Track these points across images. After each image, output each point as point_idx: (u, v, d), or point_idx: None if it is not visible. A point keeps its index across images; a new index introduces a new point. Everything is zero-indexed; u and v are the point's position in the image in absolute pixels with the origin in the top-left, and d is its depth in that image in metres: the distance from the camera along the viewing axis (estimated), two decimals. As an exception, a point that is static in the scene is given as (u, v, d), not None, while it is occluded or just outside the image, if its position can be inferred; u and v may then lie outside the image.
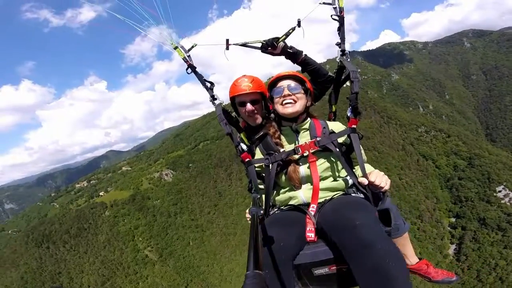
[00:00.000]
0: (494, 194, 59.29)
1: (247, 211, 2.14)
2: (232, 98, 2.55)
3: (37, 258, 65.86)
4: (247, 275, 0.85)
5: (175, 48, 2.57)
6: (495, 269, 52.09)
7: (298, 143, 2.07)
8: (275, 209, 2.13)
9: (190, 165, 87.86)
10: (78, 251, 66.59)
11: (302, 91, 2.16)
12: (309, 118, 2.21)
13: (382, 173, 1.95)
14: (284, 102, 2.10)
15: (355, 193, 1.99)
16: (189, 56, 2.57)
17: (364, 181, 1.91)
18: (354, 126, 2.05)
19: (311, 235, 1.72)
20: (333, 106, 2.67)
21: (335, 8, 2.52)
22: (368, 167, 2.12)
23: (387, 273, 1.32)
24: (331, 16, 2.49)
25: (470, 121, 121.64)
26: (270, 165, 2.02)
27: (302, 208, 1.92)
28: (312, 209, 1.88)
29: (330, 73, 2.56)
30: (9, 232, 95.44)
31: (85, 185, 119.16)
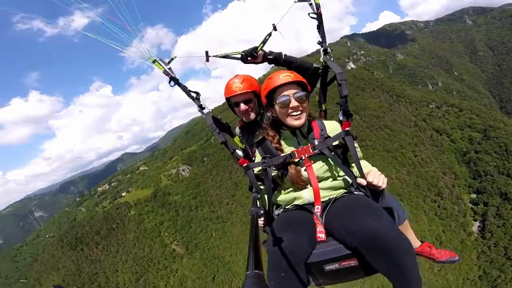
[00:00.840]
0: None
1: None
2: (227, 99, 2.73)
3: (74, 261, 69.72)
4: (247, 275, 0.86)
5: (154, 61, 2.55)
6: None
7: (299, 146, 2.12)
8: (280, 209, 2.18)
9: (204, 159, 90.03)
10: (110, 251, 69.98)
11: (306, 98, 2.13)
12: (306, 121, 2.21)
13: (379, 172, 2.06)
14: (291, 114, 2.07)
15: (356, 191, 2.07)
16: (169, 68, 2.57)
17: (363, 182, 2.01)
18: (347, 128, 2.10)
19: (322, 236, 1.79)
20: (322, 105, 2.75)
21: (311, 4, 2.53)
22: (365, 164, 2.19)
23: (406, 268, 1.52)
24: (309, 14, 2.49)
25: (482, 96, 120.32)
26: (268, 168, 2.06)
27: (308, 208, 2.00)
28: (317, 210, 1.96)
29: (315, 64, 2.62)
30: (45, 237, 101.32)
31: (107, 187, 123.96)
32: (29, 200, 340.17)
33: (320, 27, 2.45)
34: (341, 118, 2.11)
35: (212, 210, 74.16)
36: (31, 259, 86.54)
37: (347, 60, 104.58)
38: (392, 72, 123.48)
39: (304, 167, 2.03)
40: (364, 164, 2.17)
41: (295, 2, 2.56)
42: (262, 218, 2.12)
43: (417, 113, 76.78)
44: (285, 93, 2.05)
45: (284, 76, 2.08)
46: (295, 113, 2.05)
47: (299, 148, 2.06)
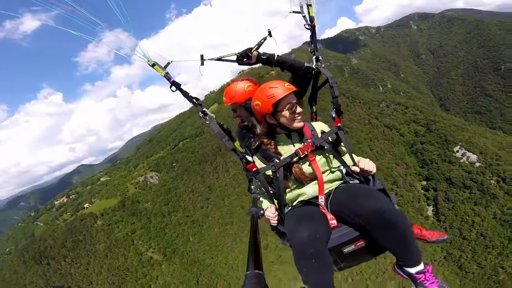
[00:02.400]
0: (453, 155, 67.12)
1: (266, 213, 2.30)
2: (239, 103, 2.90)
3: (41, 276, 64.57)
4: (247, 275, 0.88)
5: (153, 65, 2.51)
6: (473, 226, 57.74)
7: (294, 147, 2.28)
8: (288, 207, 2.31)
9: (174, 164, 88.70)
10: (80, 263, 65.99)
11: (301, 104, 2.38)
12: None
13: (368, 159, 2.31)
14: (296, 118, 2.28)
15: (352, 180, 2.32)
16: (167, 73, 2.52)
17: (356, 169, 2.26)
18: (339, 124, 2.37)
19: (334, 222, 2.00)
20: (313, 107, 2.95)
21: (304, 17, 2.69)
22: (355, 156, 2.41)
23: (408, 239, 1.83)
24: (304, 25, 2.68)
25: (425, 95, 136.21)
26: (277, 170, 2.20)
27: (313, 202, 2.20)
28: (321, 200, 2.16)
29: (306, 63, 2.70)
30: (1, 254, 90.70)
31: (65, 200, 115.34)
32: None
33: (313, 37, 2.72)
34: (333, 115, 2.44)
35: (186, 215, 73.58)
36: None
37: (290, 12, 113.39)
38: (348, 76, 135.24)
39: (308, 162, 2.23)
40: (354, 155, 2.42)
41: (290, 12, 2.77)
42: (276, 218, 2.25)
43: (370, 112, 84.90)
44: (290, 100, 2.26)
45: (288, 85, 2.30)
46: (299, 117, 2.28)
47: (301, 146, 2.26)
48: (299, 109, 2.28)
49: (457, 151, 67.44)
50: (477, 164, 63.44)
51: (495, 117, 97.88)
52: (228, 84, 3.22)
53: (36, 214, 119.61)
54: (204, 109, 2.50)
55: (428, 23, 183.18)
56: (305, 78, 2.71)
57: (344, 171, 2.35)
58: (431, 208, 65.16)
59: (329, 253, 1.87)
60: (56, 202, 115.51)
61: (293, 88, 2.29)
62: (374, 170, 2.27)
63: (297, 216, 2.12)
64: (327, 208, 2.15)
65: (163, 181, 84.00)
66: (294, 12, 2.77)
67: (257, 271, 0.91)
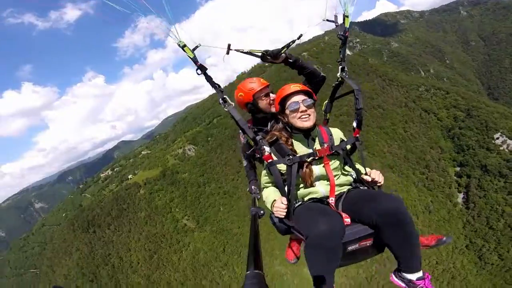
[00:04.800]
0: (493, 141, 63.87)
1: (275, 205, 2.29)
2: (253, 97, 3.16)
3: (87, 243, 71.84)
4: (247, 275, 0.88)
5: (183, 46, 2.50)
6: (503, 216, 55.71)
7: (309, 148, 2.45)
8: (298, 202, 2.41)
9: (209, 139, 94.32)
10: (122, 231, 72.73)
11: (313, 105, 2.46)
12: (316, 126, 2.51)
13: (379, 171, 2.46)
14: (301, 117, 2.40)
15: (362, 186, 2.48)
16: (195, 56, 2.55)
17: (368, 178, 2.41)
18: (357, 135, 2.52)
19: (348, 220, 2.12)
20: (327, 114, 3.10)
21: (337, 26, 2.74)
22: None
23: (413, 240, 1.97)
24: (337, 35, 2.74)
25: (472, 83, 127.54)
26: (292, 165, 2.30)
27: (323, 200, 2.36)
28: (331, 201, 2.34)
29: (322, 73, 3.01)
30: (51, 226, 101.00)
31: (109, 173, 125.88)
32: (28, 192, 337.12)
33: (343, 48, 2.78)
34: (354, 125, 2.57)
35: (219, 186, 78.44)
36: (39, 248, 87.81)
37: (323, 19, 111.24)
38: (386, 59, 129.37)
39: (322, 164, 2.40)
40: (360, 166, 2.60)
41: (323, 20, 2.80)
42: (285, 208, 2.24)
43: (407, 95, 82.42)
44: (295, 99, 2.43)
45: (294, 86, 2.49)
46: (304, 117, 2.41)
47: (320, 148, 2.42)
48: (302, 108, 2.42)
49: (497, 138, 64.23)
50: None
51: None
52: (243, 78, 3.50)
53: (84, 186, 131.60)
54: (225, 96, 2.58)
55: (480, 9, 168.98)
56: (318, 85, 3.04)
57: (353, 177, 2.57)
58: (461, 195, 63.46)
59: (341, 248, 1.99)
60: (102, 175, 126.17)
61: (298, 89, 2.48)
62: (382, 182, 2.46)
63: (313, 209, 2.23)
64: (337, 208, 2.34)
65: (199, 153, 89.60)
66: (327, 20, 2.85)
67: (257, 271, 0.92)
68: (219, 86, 2.61)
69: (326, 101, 3.10)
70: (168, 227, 71.95)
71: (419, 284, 2.00)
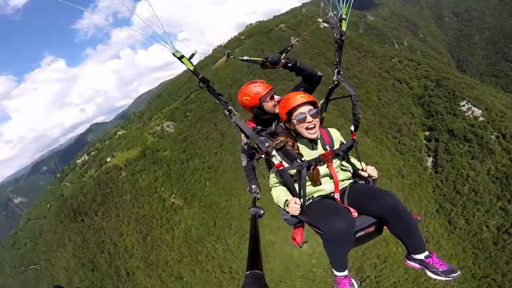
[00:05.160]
0: (459, 108, 68.36)
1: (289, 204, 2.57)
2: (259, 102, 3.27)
3: (79, 233, 70.11)
4: (247, 275, 0.89)
5: (181, 57, 2.46)
6: (467, 180, 58.86)
7: (314, 150, 2.71)
8: (309, 200, 2.68)
9: (187, 114, 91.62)
10: (111, 216, 71.01)
11: (318, 114, 2.66)
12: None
13: (373, 167, 2.82)
14: (308, 127, 2.61)
15: (360, 180, 2.86)
16: (195, 69, 2.54)
17: (365, 174, 2.79)
18: (354, 137, 2.82)
19: (355, 213, 2.45)
20: (323, 113, 3.27)
21: (333, 28, 2.91)
22: (362, 163, 2.88)
23: (414, 231, 2.31)
24: (335, 40, 2.92)
25: (442, 56, 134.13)
26: (302, 170, 2.56)
27: (330, 197, 2.68)
28: (337, 196, 2.68)
29: (319, 73, 3.20)
30: (37, 219, 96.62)
31: (86, 158, 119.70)
32: (3, 187, 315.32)
33: (339, 52, 2.97)
34: (352, 129, 2.87)
35: (202, 161, 77.57)
36: (31, 244, 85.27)
37: (320, 20, 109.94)
38: (362, 32, 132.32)
39: (326, 165, 2.69)
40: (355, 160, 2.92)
41: (319, 20, 3.72)
42: (299, 207, 2.54)
43: (381, 65, 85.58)
44: (301, 110, 2.60)
45: (300, 97, 2.62)
46: (310, 126, 2.62)
47: (324, 152, 2.69)
48: (309, 119, 2.60)
49: (463, 105, 68.79)
50: (481, 119, 64.77)
51: (510, 82, 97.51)
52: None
53: (61, 175, 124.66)
54: (230, 107, 2.66)
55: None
56: (315, 85, 3.26)
57: (351, 172, 2.87)
58: (430, 159, 67.57)
59: (354, 238, 2.34)
60: (78, 161, 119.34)
61: (304, 100, 2.60)
62: (377, 176, 2.81)
63: (325, 207, 2.51)
64: (343, 202, 2.64)
65: (178, 129, 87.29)
66: (324, 21, 2.97)
67: (257, 271, 0.93)
68: (222, 96, 2.74)
69: (322, 100, 3.26)
70: (157, 207, 71.28)
71: (429, 262, 2.36)
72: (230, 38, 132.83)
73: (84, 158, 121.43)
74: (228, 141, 77.95)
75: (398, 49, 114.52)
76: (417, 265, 2.50)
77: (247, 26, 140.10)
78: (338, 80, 3.01)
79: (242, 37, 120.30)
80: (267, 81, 3.35)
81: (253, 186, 3.57)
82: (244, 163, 3.86)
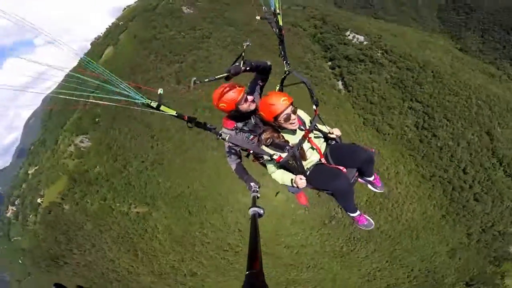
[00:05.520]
0: (346, 38, 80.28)
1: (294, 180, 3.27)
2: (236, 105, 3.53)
3: (74, 274, 62.20)
4: (247, 275, 0.91)
5: (158, 106, 2.38)
6: (374, 91, 68.98)
7: (296, 134, 3.41)
8: (307, 171, 3.47)
9: (96, 119, 79.86)
10: (86, 248, 63.53)
11: (296, 109, 3.34)
12: None
13: (337, 128, 3.70)
14: (291, 122, 3.27)
15: (331, 142, 3.71)
16: (178, 113, 2.59)
17: (334, 136, 3.60)
18: (318, 113, 3.54)
19: (344, 170, 3.32)
20: None
21: (270, 23, 3.19)
22: (328, 127, 3.69)
23: (373, 166, 3.47)
24: (276, 34, 3.26)
25: None
26: (295, 153, 3.21)
27: (320, 163, 3.51)
28: (323, 161, 3.49)
29: (268, 62, 3.64)
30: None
31: (14, 209, 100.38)
32: None
33: (282, 45, 3.48)
34: (314, 108, 3.56)
35: (142, 161, 71.07)
36: None
37: (257, 17, 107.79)
38: None
39: (307, 141, 3.42)
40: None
41: (257, 18, 3.18)
42: (305, 181, 3.23)
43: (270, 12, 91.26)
44: (286, 112, 3.19)
45: (284, 101, 3.16)
46: (292, 121, 3.29)
47: (303, 132, 3.39)
48: (293, 117, 3.25)
49: (349, 35, 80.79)
50: (365, 43, 77.34)
51: (378, 11, 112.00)
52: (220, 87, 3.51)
53: (2, 234, 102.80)
54: (220, 132, 3.00)
55: None
56: (268, 74, 3.76)
57: (322, 137, 3.67)
58: (340, 82, 77.69)
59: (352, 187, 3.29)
60: (7, 215, 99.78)
61: (288, 103, 3.17)
62: (340, 134, 3.67)
63: (323, 173, 3.37)
64: (329, 163, 3.47)
65: (96, 140, 76.64)
66: (262, 18, 3.19)
67: (257, 270, 0.95)
68: (211, 125, 3.00)
69: (278, 87, 3.85)
70: (125, 223, 65.08)
71: (374, 181, 3.88)
72: (108, 26, 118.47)
73: (12, 209, 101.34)
74: (158, 129, 72.23)
75: None
76: (363, 181, 3.94)
77: (125, 8, 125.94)
78: (290, 70, 3.62)
79: (121, 23, 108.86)
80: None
81: (252, 184, 3.66)
82: (233, 166, 3.98)
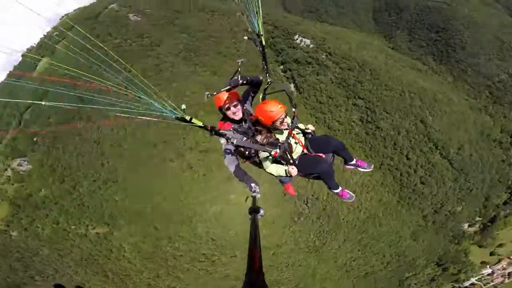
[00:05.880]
0: (295, 42, 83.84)
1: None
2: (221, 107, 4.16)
3: None
4: (247, 275, 0.94)
5: (190, 119, 2.64)
6: (322, 92, 73.45)
7: (284, 133, 4.13)
8: (295, 160, 4.17)
9: (34, 138, 73.15)
10: (49, 274, 56.56)
11: (287, 114, 4.03)
12: None
13: (311, 124, 4.54)
14: (283, 124, 4.02)
15: (308, 135, 4.44)
16: (204, 124, 3.03)
17: (309, 130, 4.41)
18: (296, 115, 4.25)
19: (323, 155, 4.13)
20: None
21: (255, 42, 3.78)
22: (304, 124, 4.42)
23: (347, 151, 4.43)
24: (259, 50, 3.93)
25: (270, 1, 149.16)
26: (286, 149, 3.93)
27: (303, 153, 4.27)
28: (306, 151, 4.26)
29: (260, 77, 4.27)
30: None
31: None
32: None
33: (265, 60, 4.31)
34: (293, 110, 4.27)
35: (93, 180, 66.35)
36: None
37: (245, 37, 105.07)
38: None
39: (291, 136, 4.18)
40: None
41: (244, 38, 3.74)
42: (296, 169, 4.02)
43: (229, 21, 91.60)
44: (282, 117, 3.95)
45: (281, 108, 3.93)
46: (285, 123, 4.06)
47: (288, 130, 4.14)
48: (286, 120, 4.03)
49: (297, 39, 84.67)
50: (311, 46, 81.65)
51: (322, 14, 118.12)
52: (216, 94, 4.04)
53: None
54: (229, 136, 3.71)
55: None
56: (259, 87, 4.36)
57: (301, 132, 4.45)
58: (292, 85, 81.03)
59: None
60: None
61: (284, 110, 3.90)
62: (314, 129, 4.53)
63: (309, 162, 4.16)
64: (310, 152, 4.26)
65: (36, 162, 70.09)
66: (248, 38, 3.80)
67: (256, 271, 0.96)
68: (223, 132, 3.74)
69: (261, 96, 4.44)
70: (86, 246, 60.44)
71: (358, 163, 4.68)
72: (42, 36, 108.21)
73: None
74: (107, 146, 68.07)
75: (237, 3, 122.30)
76: (352, 167, 4.75)
77: (63, 17, 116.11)
78: (271, 80, 4.45)
79: (56, 33, 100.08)
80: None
81: (252, 185, 3.90)
82: (232, 168, 4.21)
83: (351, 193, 4.65)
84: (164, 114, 2.48)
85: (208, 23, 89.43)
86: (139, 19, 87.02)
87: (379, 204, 63.12)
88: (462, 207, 62.19)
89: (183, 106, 2.69)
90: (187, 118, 2.74)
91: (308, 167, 4.12)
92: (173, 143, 66.39)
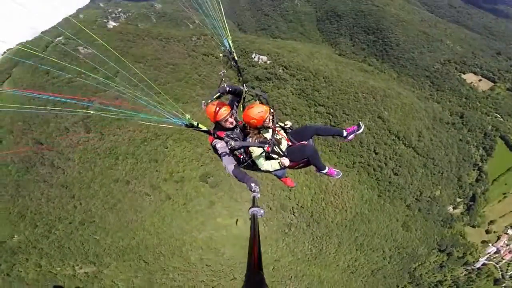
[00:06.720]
0: (253, 60, 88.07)
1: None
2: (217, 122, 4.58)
3: None
4: (247, 275, 0.94)
5: (197, 124, 2.96)
6: (286, 104, 75.58)
7: (270, 132, 4.60)
8: (284, 153, 4.67)
9: None
10: None
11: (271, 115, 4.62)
12: None
13: (288, 120, 5.01)
14: (270, 123, 4.53)
15: (288, 130, 5.03)
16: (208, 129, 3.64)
17: (287, 126, 4.97)
18: (274, 114, 4.68)
19: (305, 142, 4.68)
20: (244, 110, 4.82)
21: (228, 58, 4.17)
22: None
23: (319, 160, 4.75)
24: (231, 63, 4.36)
25: (228, 24, 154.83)
26: (274, 146, 4.45)
27: (288, 145, 4.74)
28: (290, 144, 4.74)
29: (241, 87, 4.66)
30: None
31: None
32: None
33: (239, 72, 4.91)
34: (272, 111, 4.68)
35: (69, 222, 63.05)
36: None
37: (105, 20, 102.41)
38: (156, 21, 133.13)
39: (276, 133, 4.71)
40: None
41: (220, 55, 4.16)
42: (288, 160, 4.60)
43: (186, 47, 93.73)
44: (268, 115, 4.49)
45: (266, 108, 4.52)
46: (271, 123, 4.62)
47: (272, 128, 4.62)
48: (271, 119, 4.59)
49: (254, 57, 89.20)
50: (268, 62, 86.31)
51: (274, 30, 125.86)
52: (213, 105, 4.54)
53: None
54: (227, 140, 4.47)
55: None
56: (241, 96, 4.90)
57: (282, 128, 5.09)
58: (258, 102, 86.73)
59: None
60: None
61: (269, 109, 4.47)
62: (291, 124, 5.17)
63: (297, 149, 4.70)
64: (294, 143, 4.84)
65: (2, 210, 65.56)
66: (223, 55, 4.44)
67: (256, 271, 0.96)
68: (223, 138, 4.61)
69: (241, 105, 5.07)
70: (76, 285, 57.44)
71: (329, 173, 5.02)
72: (20, 43, 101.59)
73: None
74: (77, 188, 65.68)
75: (193, 28, 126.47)
76: (322, 174, 5.18)
77: (4, 53, 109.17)
78: (248, 88, 4.96)
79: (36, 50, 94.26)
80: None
81: (252, 184, 3.78)
82: (231, 168, 4.29)
83: (338, 170, 5.20)
84: (175, 122, 3.11)
85: (164, 50, 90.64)
86: (89, 51, 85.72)
87: (362, 201, 66.03)
88: (440, 190, 66.63)
89: (187, 116, 3.49)
90: (195, 124, 3.61)
91: (297, 155, 4.68)
92: (147, 176, 65.36)
